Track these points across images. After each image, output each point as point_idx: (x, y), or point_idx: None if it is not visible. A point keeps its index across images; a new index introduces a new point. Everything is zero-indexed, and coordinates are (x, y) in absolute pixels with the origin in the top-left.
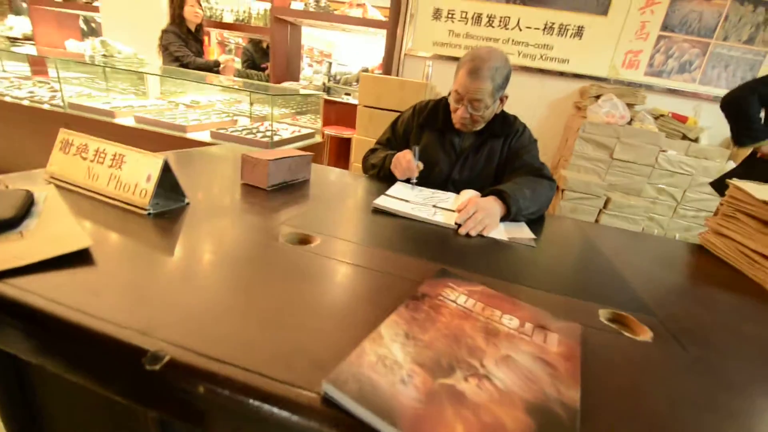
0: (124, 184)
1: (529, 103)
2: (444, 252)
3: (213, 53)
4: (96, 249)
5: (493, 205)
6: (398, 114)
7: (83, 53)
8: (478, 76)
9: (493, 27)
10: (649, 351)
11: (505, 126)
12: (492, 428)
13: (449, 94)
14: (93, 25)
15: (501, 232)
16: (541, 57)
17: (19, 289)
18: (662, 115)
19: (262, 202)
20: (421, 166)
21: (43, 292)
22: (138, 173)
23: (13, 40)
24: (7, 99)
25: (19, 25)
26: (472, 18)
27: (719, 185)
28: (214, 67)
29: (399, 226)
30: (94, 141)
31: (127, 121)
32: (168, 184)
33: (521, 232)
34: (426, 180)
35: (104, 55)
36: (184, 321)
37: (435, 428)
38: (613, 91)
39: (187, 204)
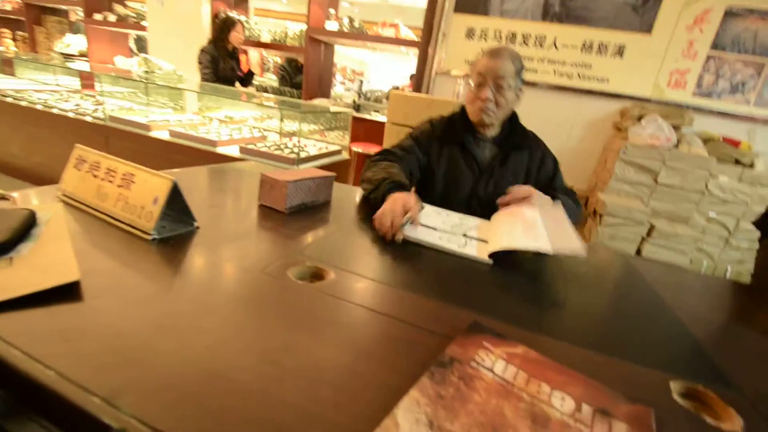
0: (131, 206)
1: (564, 122)
2: (475, 295)
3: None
4: (87, 281)
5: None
6: (413, 129)
7: (129, 69)
8: (500, 56)
9: (527, 45)
10: None
11: (527, 138)
12: None
13: (461, 108)
14: (143, 43)
15: (544, 238)
16: (579, 76)
17: None
18: (712, 139)
19: (277, 227)
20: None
21: (8, 336)
22: (146, 194)
23: (69, 57)
24: (55, 111)
25: (76, 42)
26: (506, 37)
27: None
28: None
29: (424, 259)
30: (106, 159)
31: (162, 134)
32: (178, 207)
33: (568, 239)
34: (449, 198)
35: (145, 71)
36: (161, 387)
37: None
38: (657, 111)
39: (197, 228)
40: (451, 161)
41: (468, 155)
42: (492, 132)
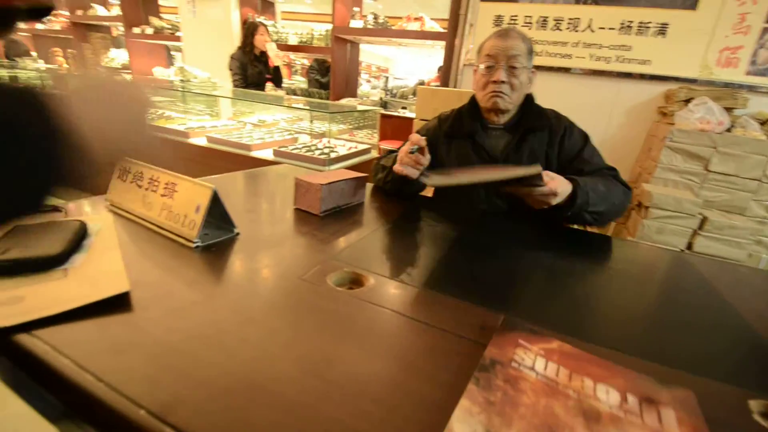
0: (175, 215)
1: (602, 109)
2: (517, 297)
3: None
4: (135, 291)
5: (563, 181)
6: (424, 122)
7: (167, 79)
8: (509, 35)
9: (560, 30)
10: None
11: (542, 119)
12: None
13: (470, 98)
14: (179, 53)
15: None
16: (617, 59)
17: (44, 343)
18: None
19: (313, 230)
20: (427, 156)
21: (62, 347)
22: (188, 203)
23: (114, 70)
24: None
25: (119, 56)
26: (538, 22)
27: None
28: (266, 77)
29: (462, 260)
30: (148, 169)
31: (200, 141)
32: (218, 214)
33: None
34: (464, 192)
35: (182, 80)
36: (207, 400)
37: None
38: (706, 93)
39: (237, 234)
40: (461, 156)
41: (478, 147)
42: (504, 118)
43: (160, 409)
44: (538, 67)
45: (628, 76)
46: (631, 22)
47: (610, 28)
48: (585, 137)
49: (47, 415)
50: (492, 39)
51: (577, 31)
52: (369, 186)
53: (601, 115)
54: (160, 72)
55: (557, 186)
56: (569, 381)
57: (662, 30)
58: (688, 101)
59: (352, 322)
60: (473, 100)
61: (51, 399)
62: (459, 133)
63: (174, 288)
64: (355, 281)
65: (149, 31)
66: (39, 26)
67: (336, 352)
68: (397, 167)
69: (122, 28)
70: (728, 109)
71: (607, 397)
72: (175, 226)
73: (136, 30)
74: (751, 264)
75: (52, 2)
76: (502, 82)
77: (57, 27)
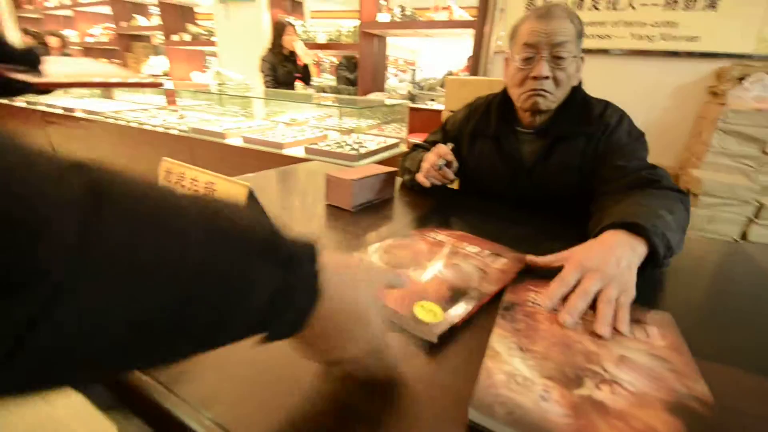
0: None
1: (645, 92)
2: None
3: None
4: None
5: (616, 248)
6: (453, 112)
7: (205, 83)
8: (554, 15)
9: (598, 9)
10: None
11: (584, 121)
12: None
13: (502, 90)
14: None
15: None
16: (662, 37)
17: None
18: None
19: (345, 226)
20: (455, 161)
21: None
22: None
23: (155, 77)
24: (147, 127)
25: (159, 63)
26: (573, 3)
27: None
28: (295, 75)
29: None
30: (190, 169)
31: (236, 141)
32: (256, 211)
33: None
34: (485, 201)
35: (219, 84)
36: (244, 397)
37: None
38: (763, 69)
39: None
40: (484, 158)
41: (504, 151)
42: (542, 119)
43: (201, 402)
44: None
45: (674, 54)
46: None
47: (653, 5)
48: (635, 136)
49: (98, 404)
50: (531, 20)
51: (616, 9)
52: (399, 180)
53: (644, 98)
54: (197, 77)
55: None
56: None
57: (712, 3)
58: (742, 79)
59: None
60: (506, 95)
61: (101, 389)
62: (484, 133)
63: None
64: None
65: (187, 37)
66: (88, 39)
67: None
68: (421, 179)
69: (162, 37)
70: None
71: None
72: None
73: (175, 38)
74: None
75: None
76: (545, 77)
77: (104, 39)
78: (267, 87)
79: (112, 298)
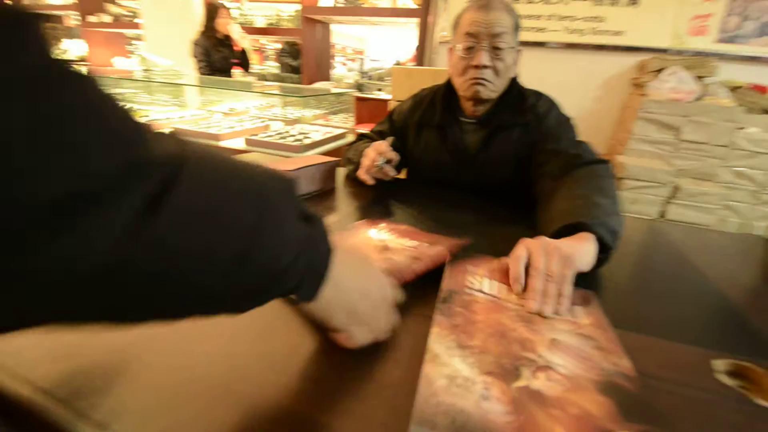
0: None
1: (577, 83)
2: None
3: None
4: None
5: (578, 248)
6: (400, 102)
7: (129, 69)
8: (492, 7)
9: (533, 3)
10: None
11: (520, 111)
12: (583, 419)
13: (446, 81)
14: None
15: None
16: (592, 31)
17: None
18: (739, 87)
19: None
20: (395, 157)
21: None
22: None
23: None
24: None
25: (74, 47)
26: None
27: None
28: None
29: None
30: None
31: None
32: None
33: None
34: (432, 187)
35: (144, 70)
36: (157, 407)
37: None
38: (678, 62)
39: None
40: (429, 147)
41: (448, 140)
42: (484, 108)
43: (104, 418)
44: None
45: (601, 48)
46: None
47: (583, 0)
48: (561, 121)
49: None
50: (471, 11)
51: (550, 3)
52: (342, 170)
53: (577, 89)
54: (120, 62)
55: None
56: (508, 295)
57: (634, 0)
58: (660, 71)
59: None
60: (449, 85)
61: None
62: (430, 123)
63: None
64: None
65: (107, 18)
66: None
67: (302, 345)
68: (363, 176)
69: (76, 18)
70: (699, 78)
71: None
72: None
73: (93, 18)
74: (721, 228)
75: None
76: (485, 66)
77: None
78: (201, 74)
79: (194, 220)
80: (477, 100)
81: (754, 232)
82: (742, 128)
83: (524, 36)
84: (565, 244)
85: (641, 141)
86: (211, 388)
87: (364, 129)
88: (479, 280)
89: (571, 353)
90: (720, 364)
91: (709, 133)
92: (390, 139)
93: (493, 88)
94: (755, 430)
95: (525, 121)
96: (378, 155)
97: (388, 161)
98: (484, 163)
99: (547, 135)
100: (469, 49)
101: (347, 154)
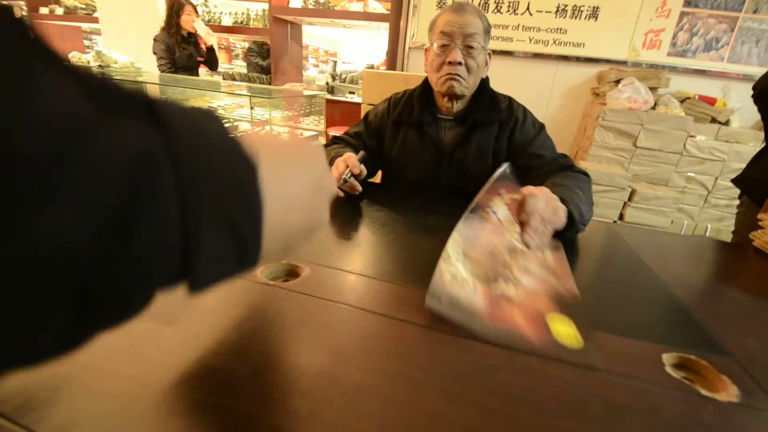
0: None
1: (542, 91)
2: None
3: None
4: None
5: (557, 203)
6: (373, 106)
7: (85, 65)
8: (465, 11)
9: (501, 13)
10: (738, 419)
11: (492, 110)
12: (534, 312)
13: (423, 81)
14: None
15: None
16: (555, 42)
17: None
18: (688, 98)
19: None
20: (363, 171)
21: None
22: None
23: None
24: None
25: None
26: (480, 5)
27: (747, 182)
28: (198, 59)
29: (404, 245)
30: None
31: None
32: None
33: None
34: (410, 185)
35: (100, 66)
36: (113, 414)
37: (504, 318)
38: (634, 74)
39: None
40: (407, 145)
41: (426, 137)
42: (458, 106)
43: (55, 430)
44: None
45: (564, 58)
46: (566, 5)
47: (547, 12)
48: (538, 127)
49: None
50: (446, 13)
51: (516, 14)
52: None
53: (541, 97)
54: (76, 57)
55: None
56: (511, 225)
57: (594, 13)
58: (617, 82)
59: (283, 316)
60: (426, 84)
61: None
62: (407, 121)
63: None
64: (291, 273)
65: (60, 11)
66: None
67: (264, 350)
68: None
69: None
70: (653, 89)
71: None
72: None
73: (44, 10)
74: (674, 229)
75: None
76: (459, 63)
77: None
78: (163, 71)
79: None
80: (451, 95)
81: (705, 233)
82: (692, 136)
83: (493, 45)
84: (558, 201)
85: (601, 147)
86: (163, 394)
87: (336, 131)
88: (499, 206)
89: (535, 277)
90: (669, 358)
91: (663, 141)
92: (361, 153)
93: (466, 85)
94: (699, 417)
95: (501, 118)
96: (346, 168)
97: (356, 176)
98: (461, 159)
99: (531, 139)
100: (444, 47)
101: None
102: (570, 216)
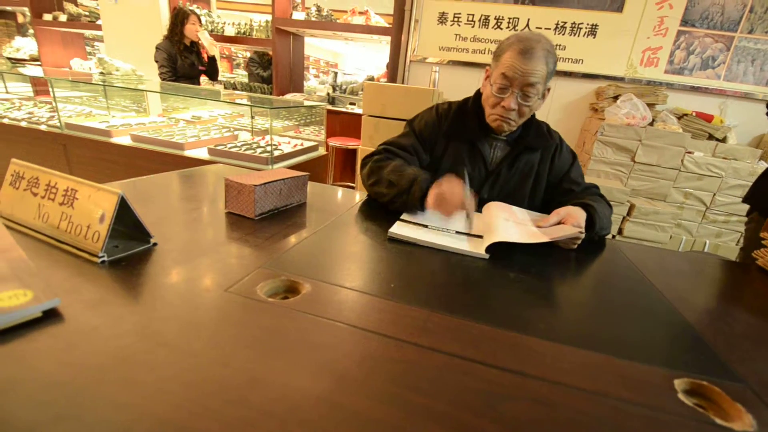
0: (76, 226)
1: (544, 107)
2: (460, 298)
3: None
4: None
5: (579, 211)
6: (413, 117)
7: (87, 72)
8: (533, 56)
9: (501, 29)
10: None
11: (540, 136)
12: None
13: (475, 94)
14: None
15: (537, 231)
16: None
17: None
18: (686, 115)
19: (245, 236)
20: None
21: None
22: (91, 212)
23: (19, 62)
24: (5, 120)
25: (26, 46)
26: (480, 20)
27: (757, 197)
28: (200, 69)
29: (409, 262)
30: (45, 173)
31: (124, 140)
32: (130, 222)
33: (561, 228)
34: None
35: (102, 73)
36: None
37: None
38: (631, 90)
39: (154, 245)
40: (456, 159)
41: (476, 154)
42: (509, 129)
43: None
44: (479, 65)
45: (563, 74)
46: (565, 22)
47: (546, 28)
48: (573, 156)
49: None
50: (513, 53)
51: (516, 30)
52: (312, 185)
53: (540, 112)
54: (78, 64)
55: (581, 221)
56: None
57: (593, 31)
58: (616, 98)
59: (281, 336)
60: (477, 102)
61: None
62: (460, 135)
63: (72, 311)
64: (291, 289)
65: (63, 18)
66: None
67: (262, 372)
68: (433, 204)
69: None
70: (650, 105)
71: None
72: (76, 239)
73: (48, 17)
74: (672, 244)
75: None
76: (512, 109)
77: None
78: (164, 79)
79: None
80: (499, 131)
81: (704, 249)
82: (690, 152)
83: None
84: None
85: (600, 162)
86: (162, 423)
87: (336, 142)
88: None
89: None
90: (681, 384)
91: (661, 156)
92: (464, 172)
93: (515, 125)
94: None
95: (547, 144)
96: (463, 211)
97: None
98: (506, 178)
99: (569, 166)
100: (503, 89)
101: (381, 173)
102: (592, 219)
